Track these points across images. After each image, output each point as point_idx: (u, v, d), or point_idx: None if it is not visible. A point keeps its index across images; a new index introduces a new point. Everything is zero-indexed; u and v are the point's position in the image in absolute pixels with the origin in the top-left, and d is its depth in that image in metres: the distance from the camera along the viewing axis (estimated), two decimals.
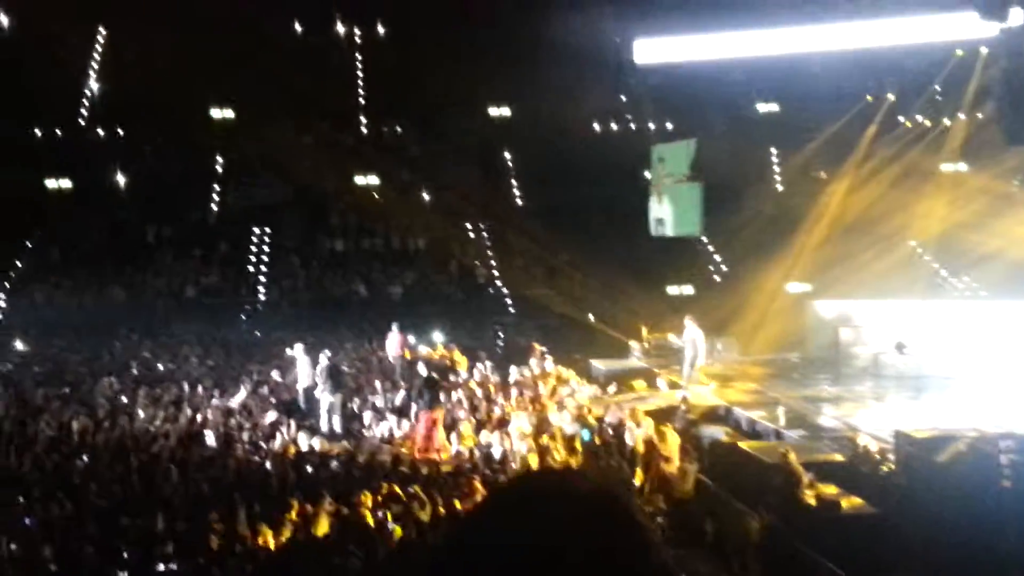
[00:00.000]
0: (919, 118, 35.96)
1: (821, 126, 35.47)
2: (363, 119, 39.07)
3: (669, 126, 37.48)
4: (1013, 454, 13.38)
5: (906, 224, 32.44)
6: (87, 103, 37.67)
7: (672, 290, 31.83)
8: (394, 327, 24.96)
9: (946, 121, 34.93)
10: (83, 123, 37.34)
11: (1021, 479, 12.92)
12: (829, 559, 11.53)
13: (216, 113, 37.36)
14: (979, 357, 21.84)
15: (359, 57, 39.96)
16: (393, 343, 24.78)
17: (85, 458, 16.05)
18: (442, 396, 19.43)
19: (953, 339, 22.97)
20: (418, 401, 19.48)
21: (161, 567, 11.43)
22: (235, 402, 20.22)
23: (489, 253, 34.98)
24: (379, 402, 20.76)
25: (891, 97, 35.51)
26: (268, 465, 16.16)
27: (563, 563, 1.78)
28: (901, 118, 35.91)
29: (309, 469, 15.96)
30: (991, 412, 17.58)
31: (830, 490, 13.23)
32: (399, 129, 38.86)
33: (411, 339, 25.39)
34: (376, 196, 36.85)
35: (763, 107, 38.45)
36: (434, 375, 20.34)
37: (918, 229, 32.89)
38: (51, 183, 35.47)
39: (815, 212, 33.16)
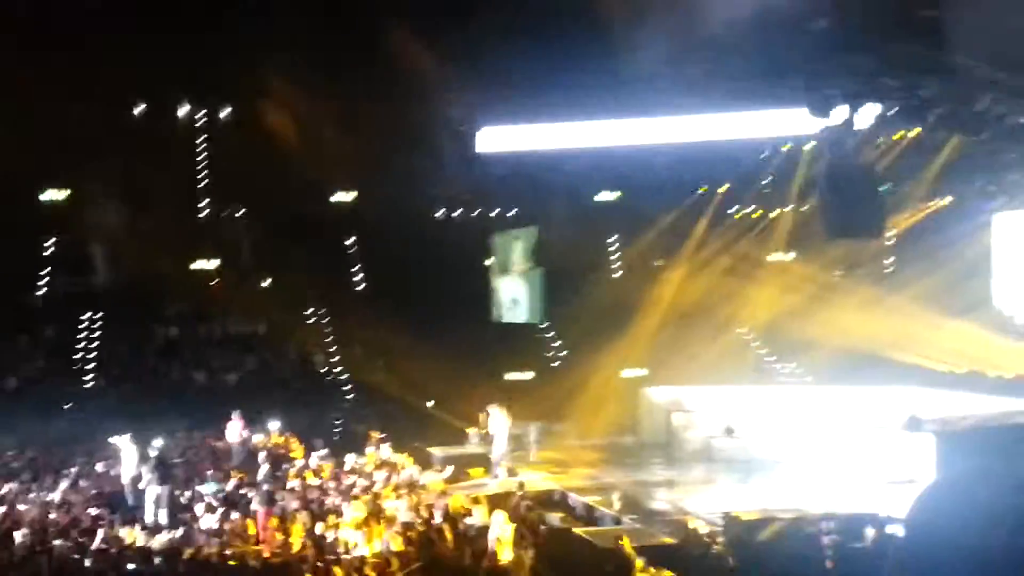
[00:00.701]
0: (749, 209, 37.19)
1: (658, 215, 36.08)
2: (203, 202, 38.33)
3: (512, 213, 37.92)
4: (835, 535, 13.90)
5: (736, 312, 33.46)
6: None
7: (511, 376, 31.98)
8: (235, 415, 24.60)
9: (774, 213, 36.22)
10: None
11: (843, 559, 13.40)
12: None
13: (47, 195, 36.08)
14: (804, 441, 22.60)
15: (201, 139, 39.21)
16: (234, 431, 24.32)
17: None
18: (277, 486, 18.99)
19: (780, 424, 23.73)
20: (259, 492, 18.95)
21: None
22: (54, 496, 19.27)
23: (328, 339, 34.57)
24: (209, 493, 20.08)
25: (723, 189, 36.63)
26: (88, 562, 15.41)
27: None
28: (733, 209, 37.07)
29: (131, 566, 15.30)
30: (815, 494, 18.23)
31: (664, 574, 13.40)
32: (240, 213, 38.24)
33: (246, 427, 24.82)
34: (214, 281, 36.10)
35: (603, 196, 39.14)
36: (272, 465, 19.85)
37: (748, 316, 33.91)
38: None
39: (651, 299, 33.80)
